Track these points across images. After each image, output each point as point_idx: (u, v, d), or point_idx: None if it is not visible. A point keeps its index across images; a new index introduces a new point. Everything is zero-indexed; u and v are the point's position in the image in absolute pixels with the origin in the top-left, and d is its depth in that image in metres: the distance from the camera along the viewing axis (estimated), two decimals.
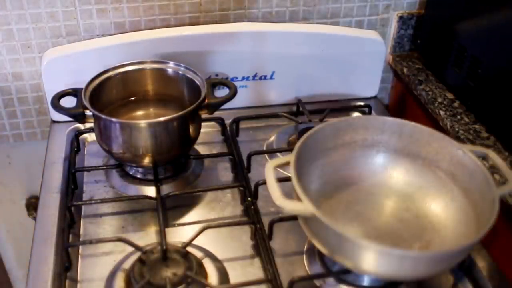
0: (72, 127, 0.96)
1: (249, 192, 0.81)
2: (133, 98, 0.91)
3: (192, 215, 0.81)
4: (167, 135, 0.80)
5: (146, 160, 0.81)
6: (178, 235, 0.77)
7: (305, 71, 1.03)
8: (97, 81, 0.84)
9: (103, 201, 0.82)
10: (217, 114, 0.87)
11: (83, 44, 0.94)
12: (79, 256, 0.74)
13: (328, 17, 1.03)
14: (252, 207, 0.79)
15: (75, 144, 0.92)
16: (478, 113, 0.89)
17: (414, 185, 0.75)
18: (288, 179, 0.65)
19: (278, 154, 0.90)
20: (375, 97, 1.09)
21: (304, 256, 0.74)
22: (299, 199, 0.61)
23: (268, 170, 0.64)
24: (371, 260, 0.59)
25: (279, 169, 0.66)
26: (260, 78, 1.02)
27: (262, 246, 0.73)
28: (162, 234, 0.71)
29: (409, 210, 0.74)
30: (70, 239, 0.76)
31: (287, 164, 0.66)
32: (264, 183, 0.68)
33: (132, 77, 0.89)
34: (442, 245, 0.68)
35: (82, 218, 0.80)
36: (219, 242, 0.76)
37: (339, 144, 0.76)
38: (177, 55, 0.94)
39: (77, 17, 0.93)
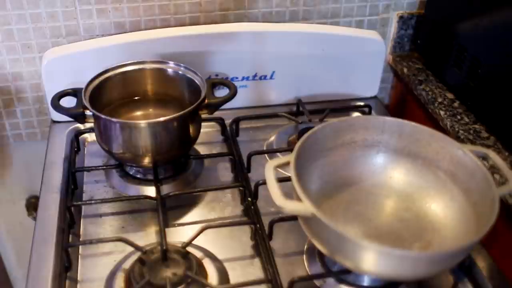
0: (72, 127, 0.96)
1: (249, 192, 0.81)
2: (133, 98, 0.91)
3: (192, 215, 0.81)
4: (167, 135, 0.80)
5: (146, 160, 0.81)
6: (178, 235, 0.77)
7: (305, 71, 1.02)
8: (97, 81, 0.84)
9: (103, 201, 0.82)
10: (217, 114, 0.87)
11: (83, 44, 0.94)
12: (79, 256, 0.74)
13: (328, 17, 1.03)
14: (252, 207, 0.79)
15: (75, 144, 0.92)
16: (478, 113, 0.89)
17: (414, 185, 0.75)
18: (288, 179, 0.65)
19: (278, 154, 0.90)
20: (375, 97, 1.09)
21: (304, 256, 0.74)
22: (299, 199, 0.61)
23: (268, 170, 0.64)
24: (371, 260, 0.59)
25: (279, 169, 0.66)
26: (260, 78, 1.02)
27: (262, 246, 0.73)
28: (162, 234, 0.71)
29: (409, 210, 0.74)
30: (70, 239, 0.76)
31: (287, 164, 0.66)
32: (264, 183, 0.68)
33: (132, 77, 0.89)
34: (442, 245, 0.68)
35: (82, 218, 0.80)
36: (219, 242, 0.76)
37: (339, 144, 0.76)
38: (177, 55, 0.94)
39: (77, 17, 0.93)
